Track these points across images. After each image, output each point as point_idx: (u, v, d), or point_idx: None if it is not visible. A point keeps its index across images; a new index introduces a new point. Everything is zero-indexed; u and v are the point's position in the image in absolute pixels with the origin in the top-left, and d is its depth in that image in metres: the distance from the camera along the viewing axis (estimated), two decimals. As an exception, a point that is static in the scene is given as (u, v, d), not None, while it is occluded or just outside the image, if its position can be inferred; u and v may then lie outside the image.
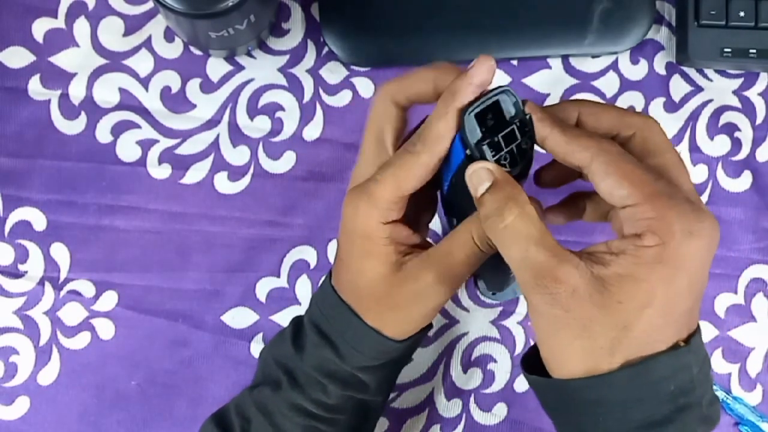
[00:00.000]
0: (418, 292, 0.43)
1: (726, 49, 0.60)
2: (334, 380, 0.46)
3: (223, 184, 0.61)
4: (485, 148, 0.38)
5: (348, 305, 0.45)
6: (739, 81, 0.63)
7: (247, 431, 0.48)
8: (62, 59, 0.60)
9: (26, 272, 0.60)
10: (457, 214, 0.43)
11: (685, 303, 0.37)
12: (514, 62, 0.62)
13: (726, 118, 0.63)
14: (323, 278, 0.48)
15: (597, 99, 0.62)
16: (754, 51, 0.60)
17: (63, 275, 0.60)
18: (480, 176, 0.38)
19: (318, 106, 0.61)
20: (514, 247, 0.37)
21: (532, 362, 0.41)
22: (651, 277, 0.36)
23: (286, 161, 0.61)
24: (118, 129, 0.60)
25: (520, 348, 0.61)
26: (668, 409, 0.37)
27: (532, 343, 0.61)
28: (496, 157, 0.39)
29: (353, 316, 0.45)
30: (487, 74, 0.39)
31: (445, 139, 0.39)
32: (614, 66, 0.62)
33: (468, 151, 0.39)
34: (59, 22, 0.60)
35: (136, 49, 0.61)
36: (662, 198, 0.36)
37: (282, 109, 0.61)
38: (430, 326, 0.48)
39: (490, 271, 0.45)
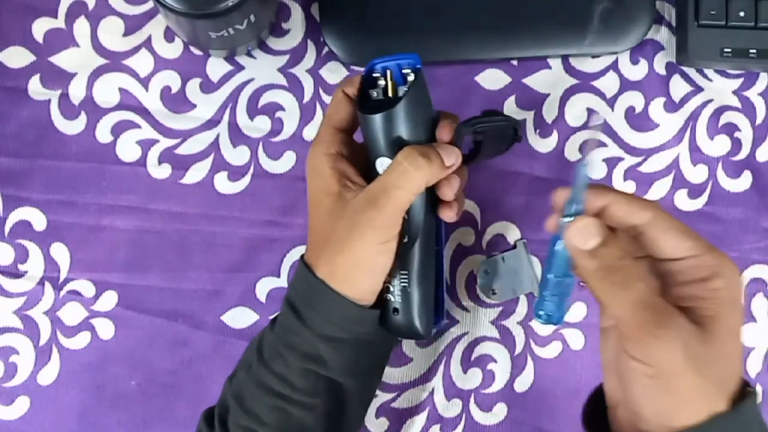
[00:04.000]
0: (353, 221, 0.45)
1: (726, 49, 0.60)
2: (294, 352, 0.47)
3: (223, 184, 0.61)
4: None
5: (306, 263, 0.48)
6: (739, 81, 0.63)
7: (224, 420, 0.49)
8: (62, 59, 0.60)
9: (26, 272, 0.60)
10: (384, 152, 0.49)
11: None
12: (514, 62, 0.62)
13: (726, 118, 0.63)
14: None
15: (598, 101, 0.62)
16: (754, 51, 0.60)
17: (63, 275, 0.60)
18: (590, 231, 0.41)
19: (318, 106, 0.61)
20: (636, 291, 0.40)
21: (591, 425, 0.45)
22: (732, 314, 0.41)
23: (286, 161, 0.61)
24: (118, 129, 0.60)
25: (519, 348, 0.61)
26: None
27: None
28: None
29: (308, 272, 0.47)
30: None
31: (355, 83, 0.49)
32: (614, 66, 0.62)
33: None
34: (59, 22, 0.60)
35: (136, 49, 0.61)
36: (717, 249, 0.42)
37: (282, 109, 0.61)
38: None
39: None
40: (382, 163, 0.48)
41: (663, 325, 0.39)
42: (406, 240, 0.49)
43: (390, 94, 0.49)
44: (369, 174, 0.49)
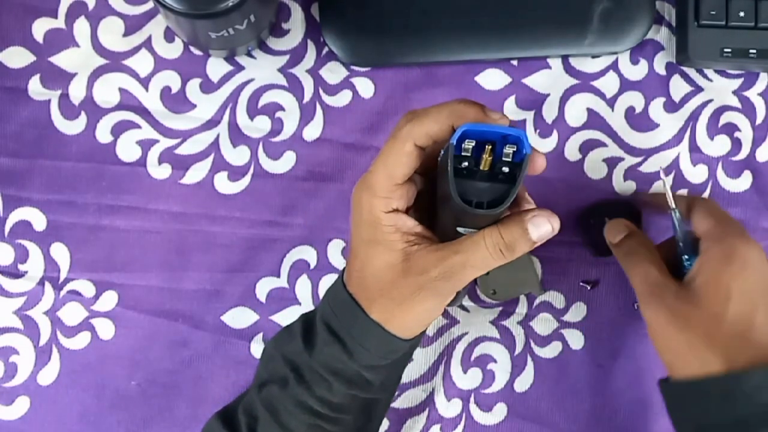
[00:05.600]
0: (422, 285, 0.44)
1: (726, 49, 0.60)
2: (339, 378, 0.47)
3: (223, 184, 0.61)
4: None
5: (355, 300, 0.46)
6: (739, 81, 0.63)
7: (254, 429, 0.48)
8: (62, 59, 0.60)
9: (26, 272, 0.60)
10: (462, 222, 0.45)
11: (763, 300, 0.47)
12: (514, 62, 0.62)
13: (726, 118, 0.63)
14: (337, 277, 0.49)
15: (598, 101, 0.62)
16: (754, 51, 0.60)
17: (63, 275, 0.60)
18: (618, 229, 0.56)
19: (318, 106, 0.61)
20: (643, 269, 0.51)
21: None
22: (717, 273, 0.47)
23: (286, 161, 0.61)
24: (118, 129, 0.60)
25: (520, 348, 0.61)
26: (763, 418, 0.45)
27: (537, 345, 0.61)
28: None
29: (359, 310, 0.46)
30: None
31: (430, 135, 0.43)
32: (614, 66, 0.62)
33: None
34: (59, 22, 0.60)
35: (136, 49, 0.61)
36: (724, 222, 0.51)
37: (282, 109, 0.61)
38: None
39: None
40: (465, 230, 0.45)
41: (655, 294, 0.49)
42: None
43: (482, 166, 0.43)
44: (434, 218, 0.47)
